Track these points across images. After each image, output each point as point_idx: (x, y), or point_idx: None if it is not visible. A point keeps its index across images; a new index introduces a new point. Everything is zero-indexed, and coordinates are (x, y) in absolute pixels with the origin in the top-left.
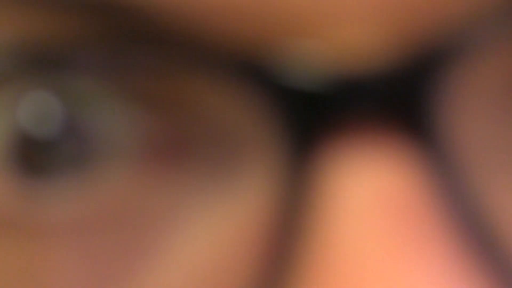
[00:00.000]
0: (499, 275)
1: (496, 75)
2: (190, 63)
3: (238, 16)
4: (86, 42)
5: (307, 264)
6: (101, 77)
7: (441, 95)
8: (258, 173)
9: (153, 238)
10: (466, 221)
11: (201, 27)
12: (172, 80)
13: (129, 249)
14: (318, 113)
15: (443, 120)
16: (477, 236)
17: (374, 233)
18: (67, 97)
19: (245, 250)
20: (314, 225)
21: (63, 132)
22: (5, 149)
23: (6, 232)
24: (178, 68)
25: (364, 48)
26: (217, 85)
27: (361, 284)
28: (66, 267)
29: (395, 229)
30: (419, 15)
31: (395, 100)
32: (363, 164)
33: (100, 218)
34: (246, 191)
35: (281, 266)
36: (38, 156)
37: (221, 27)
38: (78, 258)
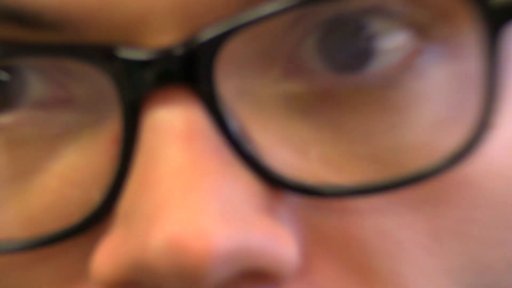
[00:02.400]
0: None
1: (246, 50)
2: (71, 50)
3: (96, 26)
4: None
5: (137, 171)
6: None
7: (211, 66)
8: (108, 116)
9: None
10: (228, 140)
11: (78, 33)
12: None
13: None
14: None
15: (210, 81)
16: (238, 152)
17: (175, 148)
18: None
19: (99, 167)
20: (143, 148)
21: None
22: None
23: None
24: (63, 54)
25: (164, 43)
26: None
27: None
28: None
29: (188, 144)
30: (198, 23)
31: (184, 70)
32: (170, 108)
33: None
34: (101, 133)
35: (121, 177)
36: None
37: (87, 32)
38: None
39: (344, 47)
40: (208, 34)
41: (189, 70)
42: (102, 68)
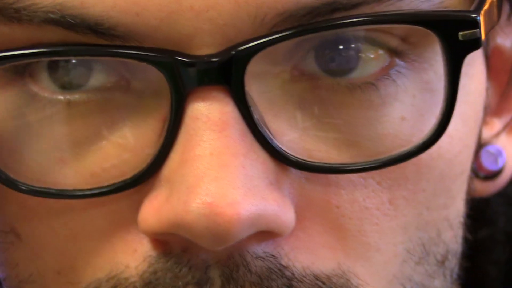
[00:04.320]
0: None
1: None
2: (138, 54)
3: (155, 38)
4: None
5: (179, 147)
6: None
7: (242, 72)
8: (159, 102)
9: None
10: (251, 128)
11: (140, 42)
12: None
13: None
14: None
15: (241, 83)
16: (258, 137)
17: (212, 134)
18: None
19: (147, 139)
20: (184, 130)
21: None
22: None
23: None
24: (131, 57)
25: (208, 53)
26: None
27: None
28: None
29: (222, 131)
30: (230, 41)
31: (222, 74)
32: (209, 102)
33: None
34: (152, 114)
35: (166, 149)
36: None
37: (148, 42)
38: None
39: (336, 58)
40: (241, 47)
41: (224, 75)
42: (160, 67)
